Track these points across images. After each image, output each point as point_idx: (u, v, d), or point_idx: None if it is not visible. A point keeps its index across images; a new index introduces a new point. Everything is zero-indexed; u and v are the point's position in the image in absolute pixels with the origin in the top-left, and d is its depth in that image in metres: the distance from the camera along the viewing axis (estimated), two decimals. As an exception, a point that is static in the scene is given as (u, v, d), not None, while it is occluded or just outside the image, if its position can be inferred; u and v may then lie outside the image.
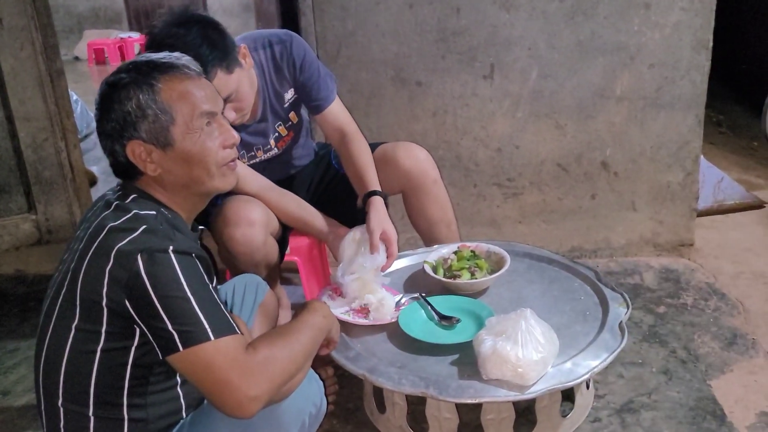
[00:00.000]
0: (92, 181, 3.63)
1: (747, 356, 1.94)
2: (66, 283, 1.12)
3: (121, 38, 9.12)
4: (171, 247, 1.06)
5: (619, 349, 1.51)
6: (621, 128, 2.45)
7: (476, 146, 2.50)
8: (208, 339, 1.03)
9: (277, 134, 1.98)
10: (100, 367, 1.10)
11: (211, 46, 1.60)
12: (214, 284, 1.17)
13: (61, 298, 1.13)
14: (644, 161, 2.49)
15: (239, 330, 1.09)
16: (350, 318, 1.69)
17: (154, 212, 1.13)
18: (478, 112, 2.45)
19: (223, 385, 1.03)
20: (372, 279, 1.76)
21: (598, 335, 1.57)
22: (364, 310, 1.72)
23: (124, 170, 1.21)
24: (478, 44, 2.37)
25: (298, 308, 1.29)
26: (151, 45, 1.58)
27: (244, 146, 1.93)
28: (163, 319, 1.04)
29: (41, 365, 1.16)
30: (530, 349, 1.42)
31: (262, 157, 1.99)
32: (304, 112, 2.07)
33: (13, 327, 2.44)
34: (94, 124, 1.28)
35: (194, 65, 1.24)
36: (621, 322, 1.60)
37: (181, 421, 1.18)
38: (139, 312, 1.05)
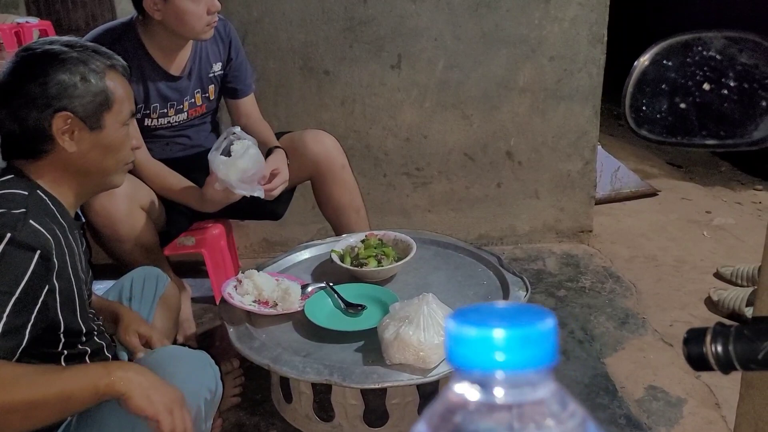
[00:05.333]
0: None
1: (637, 334, 2.06)
2: None
3: (18, 23, 8.54)
4: (8, 236, 1.00)
5: (517, 331, 1.56)
6: (524, 119, 2.53)
7: (385, 135, 2.52)
8: None
9: (192, 100, 1.97)
10: None
11: None
12: (56, 288, 1.07)
13: None
14: (546, 151, 2.58)
15: (5, 352, 0.97)
16: (256, 308, 1.67)
17: (25, 193, 1.08)
18: (387, 101, 2.47)
19: None
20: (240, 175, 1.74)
21: (499, 318, 1.62)
22: (270, 302, 1.70)
23: (19, 144, 1.15)
24: (385, 34, 2.38)
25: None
26: None
27: (161, 98, 1.91)
28: None
29: None
30: (432, 333, 1.44)
31: (171, 119, 1.95)
32: (218, 100, 2.07)
33: None
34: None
35: (127, 69, 1.27)
36: (520, 304, 1.65)
37: (68, 419, 1.12)
38: None
